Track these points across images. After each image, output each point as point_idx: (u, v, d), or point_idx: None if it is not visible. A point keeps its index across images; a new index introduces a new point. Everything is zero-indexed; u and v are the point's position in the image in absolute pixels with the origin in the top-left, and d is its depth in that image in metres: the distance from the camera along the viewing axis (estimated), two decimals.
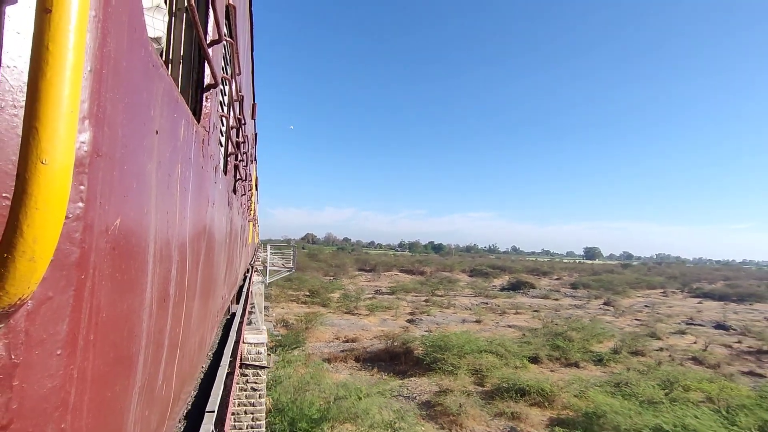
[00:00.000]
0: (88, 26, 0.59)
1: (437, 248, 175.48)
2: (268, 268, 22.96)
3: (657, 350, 20.95)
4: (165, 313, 1.28)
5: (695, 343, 23.37)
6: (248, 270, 11.23)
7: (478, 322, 27.41)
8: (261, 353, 6.19)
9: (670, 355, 20.05)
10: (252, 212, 9.81)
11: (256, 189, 11.97)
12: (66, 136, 0.51)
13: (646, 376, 15.01)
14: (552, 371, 16.81)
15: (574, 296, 43.26)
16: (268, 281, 21.46)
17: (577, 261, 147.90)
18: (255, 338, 6.30)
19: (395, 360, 17.61)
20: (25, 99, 0.51)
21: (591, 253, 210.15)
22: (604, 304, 38.19)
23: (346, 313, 28.70)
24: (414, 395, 13.93)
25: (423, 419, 12.04)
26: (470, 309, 32.44)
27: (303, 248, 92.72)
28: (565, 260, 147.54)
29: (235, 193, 4.10)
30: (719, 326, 29.04)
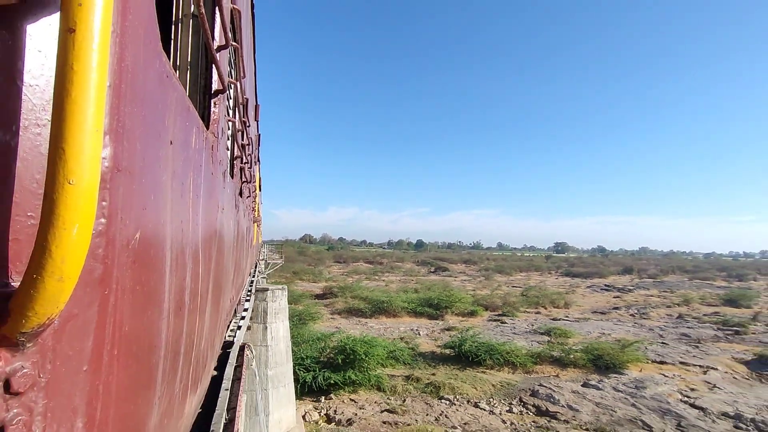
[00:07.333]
0: (110, 43, 0.57)
1: (419, 245, 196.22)
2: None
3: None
4: (181, 321, 1.30)
5: (494, 291, 44.17)
6: (252, 272, 11.31)
7: (387, 285, 48.33)
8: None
9: (470, 294, 40.83)
10: (256, 213, 9.86)
11: (260, 190, 12.13)
12: (91, 155, 0.50)
13: (419, 294, 36.04)
14: None
15: (470, 275, 64.11)
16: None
17: (543, 255, 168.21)
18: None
19: (326, 295, 38.83)
20: (48, 118, 0.51)
21: (561, 247, 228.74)
22: (485, 279, 58.98)
23: (311, 282, 49.74)
24: (327, 304, 35.04)
25: (323, 307, 33.21)
26: (391, 281, 53.30)
27: (298, 247, 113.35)
28: (527, 254, 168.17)
29: (241, 196, 4.16)
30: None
